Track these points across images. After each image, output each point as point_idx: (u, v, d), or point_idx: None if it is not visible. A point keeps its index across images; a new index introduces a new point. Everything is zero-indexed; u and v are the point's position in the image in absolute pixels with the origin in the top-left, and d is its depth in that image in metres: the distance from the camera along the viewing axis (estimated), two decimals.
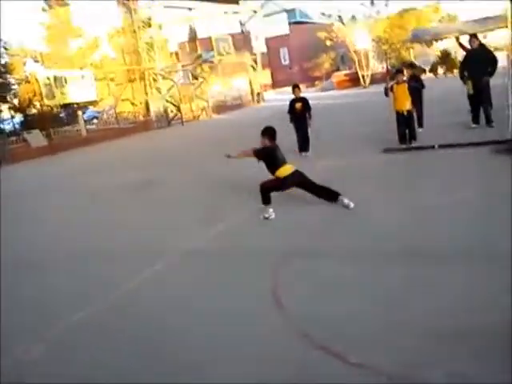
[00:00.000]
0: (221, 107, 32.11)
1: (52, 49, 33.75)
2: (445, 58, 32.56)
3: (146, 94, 28.29)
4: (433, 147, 8.45)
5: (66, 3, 33.79)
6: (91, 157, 17.73)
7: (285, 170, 6.02)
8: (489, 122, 9.41)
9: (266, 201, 6.04)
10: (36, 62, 28.17)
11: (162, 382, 2.98)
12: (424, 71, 29.83)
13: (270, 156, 6.11)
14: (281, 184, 6.06)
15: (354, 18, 41.11)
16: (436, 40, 40.19)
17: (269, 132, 6.21)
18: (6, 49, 31.57)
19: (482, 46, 9.53)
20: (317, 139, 10.25)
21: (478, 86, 9.25)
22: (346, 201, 5.83)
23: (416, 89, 9.46)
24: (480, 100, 9.39)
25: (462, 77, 9.69)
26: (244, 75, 38.17)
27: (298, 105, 9.82)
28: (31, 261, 5.75)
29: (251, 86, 36.99)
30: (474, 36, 9.42)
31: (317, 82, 45.18)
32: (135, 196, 8.79)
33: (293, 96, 10.04)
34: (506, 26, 7.63)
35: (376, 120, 12.50)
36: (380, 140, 9.77)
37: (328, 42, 40.98)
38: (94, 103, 31.09)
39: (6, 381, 3.18)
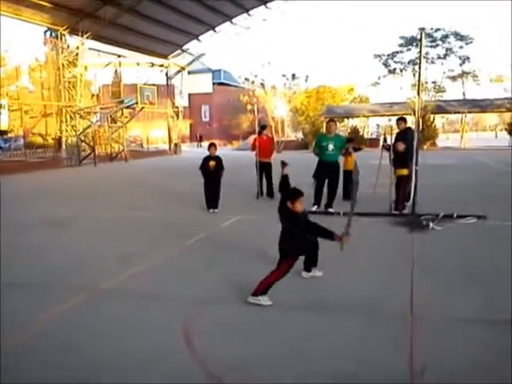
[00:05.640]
0: (137, 152, 31.97)
1: None
2: (354, 134, 35.38)
3: (61, 131, 27.48)
4: (339, 214, 9.07)
5: None
6: None
7: None
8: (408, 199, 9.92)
9: None
10: None
11: None
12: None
13: None
14: None
15: (274, 87, 43.61)
16: (347, 117, 43.45)
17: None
18: None
19: (408, 128, 10.44)
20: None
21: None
22: None
23: None
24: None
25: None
26: (164, 124, 38.54)
27: (212, 163, 9.85)
28: None
29: (169, 135, 37.35)
30: (401, 119, 10.39)
31: (234, 142, 46.63)
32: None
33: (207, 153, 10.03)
34: (411, 114, 8.61)
35: None
36: None
37: (249, 106, 42.93)
38: (2, 133, 29.55)
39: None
